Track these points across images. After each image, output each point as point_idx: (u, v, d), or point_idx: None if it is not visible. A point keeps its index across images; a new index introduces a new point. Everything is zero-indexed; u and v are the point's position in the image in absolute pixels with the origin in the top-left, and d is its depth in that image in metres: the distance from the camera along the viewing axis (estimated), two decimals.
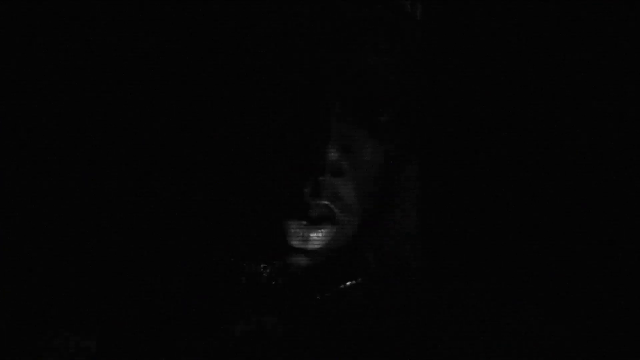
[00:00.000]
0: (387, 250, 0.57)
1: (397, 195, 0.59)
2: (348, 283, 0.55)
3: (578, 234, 0.80)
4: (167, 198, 0.62)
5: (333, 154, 0.48)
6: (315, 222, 0.50)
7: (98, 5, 0.73)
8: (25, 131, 0.71)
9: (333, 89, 0.50)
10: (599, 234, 0.80)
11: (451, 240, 0.72)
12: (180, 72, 0.62)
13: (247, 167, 0.54)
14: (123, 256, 0.65)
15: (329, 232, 0.50)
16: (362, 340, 0.51)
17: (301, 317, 0.53)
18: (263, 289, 0.54)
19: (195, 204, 0.58)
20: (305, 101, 0.51)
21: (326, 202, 0.50)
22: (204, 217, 0.58)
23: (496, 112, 0.74)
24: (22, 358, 0.53)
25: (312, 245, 0.50)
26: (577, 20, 0.75)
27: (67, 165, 0.71)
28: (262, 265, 0.53)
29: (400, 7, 0.57)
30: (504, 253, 0.76)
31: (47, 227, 0.70)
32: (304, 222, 0.49)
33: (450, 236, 0.72)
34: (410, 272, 0.58)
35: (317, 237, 0.50)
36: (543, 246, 0.78)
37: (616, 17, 0.76)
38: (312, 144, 0.49)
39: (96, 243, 0.68)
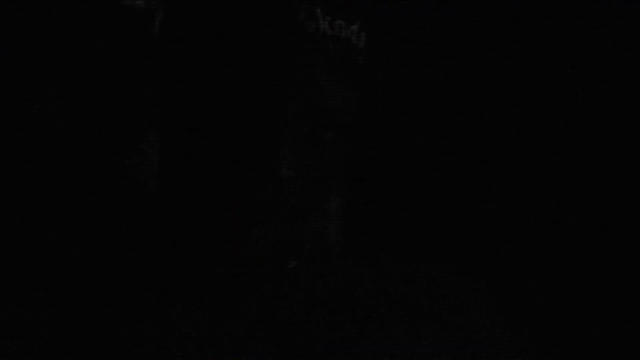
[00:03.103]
0: (319, 240, 0.67)
1: (330, 197, 0.68)
2: (289, 266, 0.65)
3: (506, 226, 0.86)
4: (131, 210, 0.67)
5: (284, 167, 0.57)
6: (263, 219, 0.59)
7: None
8: (22, 131, 0.73)
9: (289, 108, 0.59)
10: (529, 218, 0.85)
11: (373, 229, 0.79)
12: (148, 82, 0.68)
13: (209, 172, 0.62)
14: (105, 257, 0.68)
15: (272, 229, 0.60)
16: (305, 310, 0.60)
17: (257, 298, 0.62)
18: (224, 277, 0.62)
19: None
20: (263, 118, 0.60)
21: (273, 211, 0.60)
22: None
23: (430, 130, 0.82)
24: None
25: (258, 240, 0.60)
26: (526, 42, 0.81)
27: (56, 166, 0.72)
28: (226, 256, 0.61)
29: (346, 39, 0.64)
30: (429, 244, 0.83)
31: (46, 227, 0.70)
32: (254, 219, 0.59)
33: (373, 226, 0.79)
34: (336, 256, 0.69)
35: (266, 238, 0.59)
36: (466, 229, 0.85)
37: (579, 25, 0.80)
38: (267, 155, 0.58)
39: (93, 243, 0.70)
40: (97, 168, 0.72)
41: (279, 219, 0.60)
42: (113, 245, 0.68)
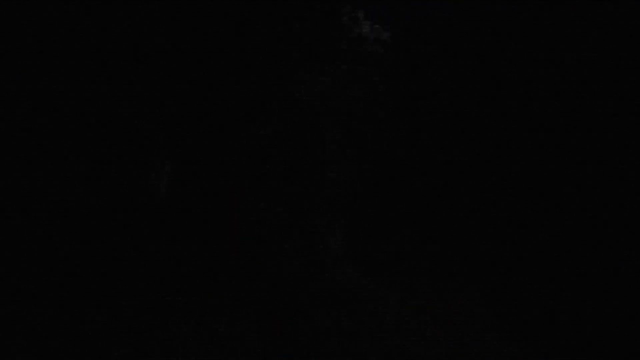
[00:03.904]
0: (323, 244, 0.78)
1: (338, 201, 0.79)
2: (295, 271, 0.76)
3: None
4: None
5: (305, 177, 0.68)
6: (273, 228, 0.70)
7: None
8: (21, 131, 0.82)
9: (295, 110, 0.70)
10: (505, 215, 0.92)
11: (373, 238, 0.89)
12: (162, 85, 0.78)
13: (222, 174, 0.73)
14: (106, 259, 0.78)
15: (283, 235, 0.71)
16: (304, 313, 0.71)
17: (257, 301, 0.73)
18: (225, 284, 0.73)
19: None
20: (267, 123, 0.70)
21: (284, 210, 0.71)
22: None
23: (445, 135, 0.92)
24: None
25: (265, 245, 0.71)
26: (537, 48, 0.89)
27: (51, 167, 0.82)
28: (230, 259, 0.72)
29: (384, 43, 0.75)
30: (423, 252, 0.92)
31: (46, 227, 0.80)
32: (261, 228, 0.70)
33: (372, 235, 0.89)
34: (339, 263, 0.79)
35: (271, 239, 0.71)
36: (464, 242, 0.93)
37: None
38: (275, 155, 0.69)
39: (90, 243, 0.79)
40: (120, 179, 0.82)
41: (284, 224, 0.70)
42: (129, 248, 0.79)
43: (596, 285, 0.82)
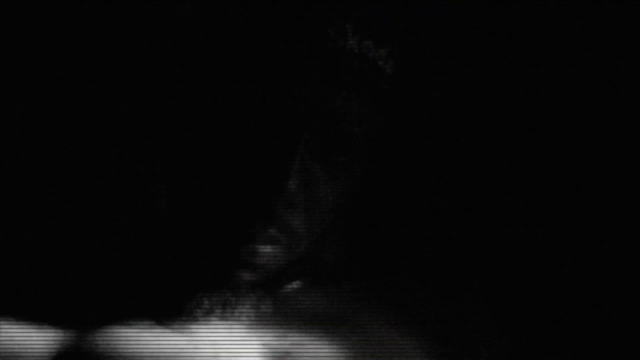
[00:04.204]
0: (320, 261, 0.64)
1: (335, 219, 0.65)
2: (289, 287, 0.62)
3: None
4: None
5: (291, 187, 0.54)
6: (263, 245, 0.56)
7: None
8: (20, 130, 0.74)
9: (302, 126, 0.56)
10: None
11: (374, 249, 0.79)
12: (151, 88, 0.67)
13: (210, 185, 0.60)
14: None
15: (274, 254, 0.57)
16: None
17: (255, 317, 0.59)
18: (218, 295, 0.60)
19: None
20: (273, 134, 0.56)
21: (275, 232, 0.56)
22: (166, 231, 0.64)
23: (450, 161, 0.81)
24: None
25: (259, 262, 0.56)
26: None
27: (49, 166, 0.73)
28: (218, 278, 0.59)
29: (373, 61, 0.62)
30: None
31: (45, 227, 0.71)
32: (254, 246, 0.55)
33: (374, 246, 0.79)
34: (336, 277, 0.66)
35: (264, 257, 0.56)
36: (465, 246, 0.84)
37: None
38: (273, 175, 0.55)
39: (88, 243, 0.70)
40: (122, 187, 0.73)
41: (281, 239, 0.57)
42: (130, 253, 0.68)
43: (598, 285, 0.76)
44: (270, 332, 0.57)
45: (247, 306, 0.60)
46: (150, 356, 0.49)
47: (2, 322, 0.55)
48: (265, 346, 0.55)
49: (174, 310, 0.59)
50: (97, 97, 0.75)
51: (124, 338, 0.51)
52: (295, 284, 0.64)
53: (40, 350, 0.53)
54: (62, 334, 0.54)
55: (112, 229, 0.69)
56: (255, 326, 0.58)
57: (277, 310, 0.61)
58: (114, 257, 0.67)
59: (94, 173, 0.74)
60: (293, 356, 0.54)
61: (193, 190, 0.62)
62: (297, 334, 0.57)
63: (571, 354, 0.74)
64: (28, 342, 0.53)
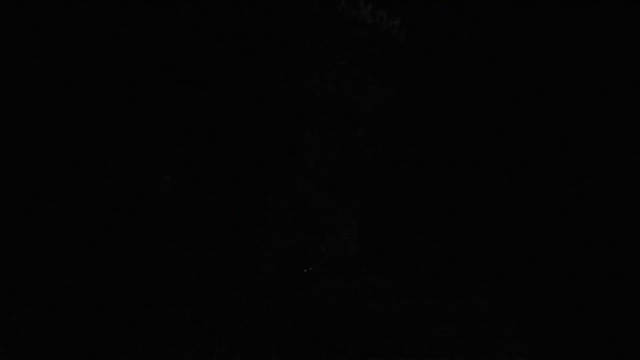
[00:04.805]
0: (336, 244, 0.61)
1: (351, 202, 0.62)
2: (305, 270, 0.60)
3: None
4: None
5: (309, 163, 0.51)
6: (282, 226, 0.53)
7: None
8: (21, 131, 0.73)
9: (314, 100, 0.53)
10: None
11: (386, 237, 0.78)
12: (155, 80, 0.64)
13: (223, 166, 0.57)
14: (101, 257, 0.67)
15: (290, 234, 0.54)
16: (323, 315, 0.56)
17: (275, 302, 0.58)
18: (241, 282, 0.58)
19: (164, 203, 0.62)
20: (285, 111, 0.53)
21: (294, 210, 0.53)
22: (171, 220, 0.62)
23: (470, 136, 0.77)
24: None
25: (274, 243, 0.54)
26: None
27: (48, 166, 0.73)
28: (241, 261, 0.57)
29: (387, 31, 0.59)
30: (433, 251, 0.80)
31: (44, 226, 0.71)
32: (272, 225, 0.53)
33: (385, 233, 0.78)
34: (351, 261, 0.63)
35: (281, 236, 0.54)
36: (472, 241, 0.81)
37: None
38: (289, 151, 0.52)
39: (87, 242, 0.69)
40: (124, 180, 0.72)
41: (297, 224, 0.54)
42: (130, 247, 0.67)
43: (601, 284, 0.73)
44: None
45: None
46: None
47: None
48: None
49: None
50: (97, 94, 0.74)
51: None
52: (309, 269, 0.62)
53: None
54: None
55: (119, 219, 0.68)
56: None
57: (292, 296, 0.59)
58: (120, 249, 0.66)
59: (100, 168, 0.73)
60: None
61: (201, 178, 0.60)
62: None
63: (583, 353, 0.71)
64: None
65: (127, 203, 0.61)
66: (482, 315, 0.59)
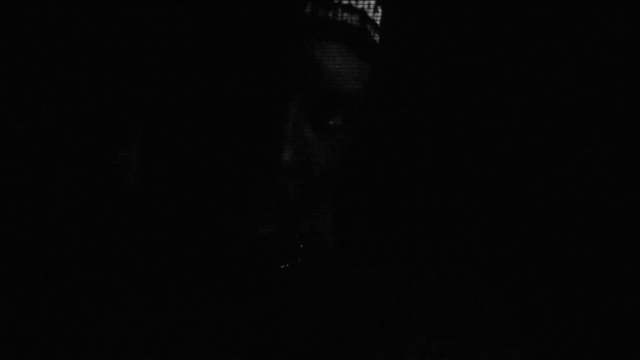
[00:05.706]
0: (314, 236, 0.62)
1: (328, 190, 0.62)
2: (287, 265, 0.61)
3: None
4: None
5: (286, 156, 0.49)
6: (261, 218, 0.53)
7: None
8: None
9: (291, 89, 0.53)
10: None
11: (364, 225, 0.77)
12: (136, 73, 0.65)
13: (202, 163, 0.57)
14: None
15: (271, 227, 0.54)
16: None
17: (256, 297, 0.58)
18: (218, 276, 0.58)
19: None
20: (261, 101, 0.53)
21: (273, 203, 0.53)
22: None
23: (446, 120, 0.77)
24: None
25: (257, 236, 0.54)
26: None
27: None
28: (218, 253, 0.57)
29: (362, 11, 0.56)
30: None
31: (45, 227, 0.71)
32: (250, 218, 0.53)
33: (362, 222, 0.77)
34: (330, 251, 0.64)
35: (262, 231, 0.54)
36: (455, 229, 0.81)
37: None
38: (267, 144, 0.51)
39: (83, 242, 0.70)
40: (86, 166, 0.72)
41: (274, 214, 0.54)
42: (103, 244, 0.67)
43: (603, 284, 0.74)
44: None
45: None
46: None
47: None
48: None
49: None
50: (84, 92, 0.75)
51: None
52: (294, 259, 0.63)
53: None
54: None
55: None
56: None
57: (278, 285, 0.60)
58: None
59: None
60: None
61: (180, 168, 0.60)
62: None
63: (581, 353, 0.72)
64: None
65: (99, 200, 0.61)
66: (481, 314, 0.60)
